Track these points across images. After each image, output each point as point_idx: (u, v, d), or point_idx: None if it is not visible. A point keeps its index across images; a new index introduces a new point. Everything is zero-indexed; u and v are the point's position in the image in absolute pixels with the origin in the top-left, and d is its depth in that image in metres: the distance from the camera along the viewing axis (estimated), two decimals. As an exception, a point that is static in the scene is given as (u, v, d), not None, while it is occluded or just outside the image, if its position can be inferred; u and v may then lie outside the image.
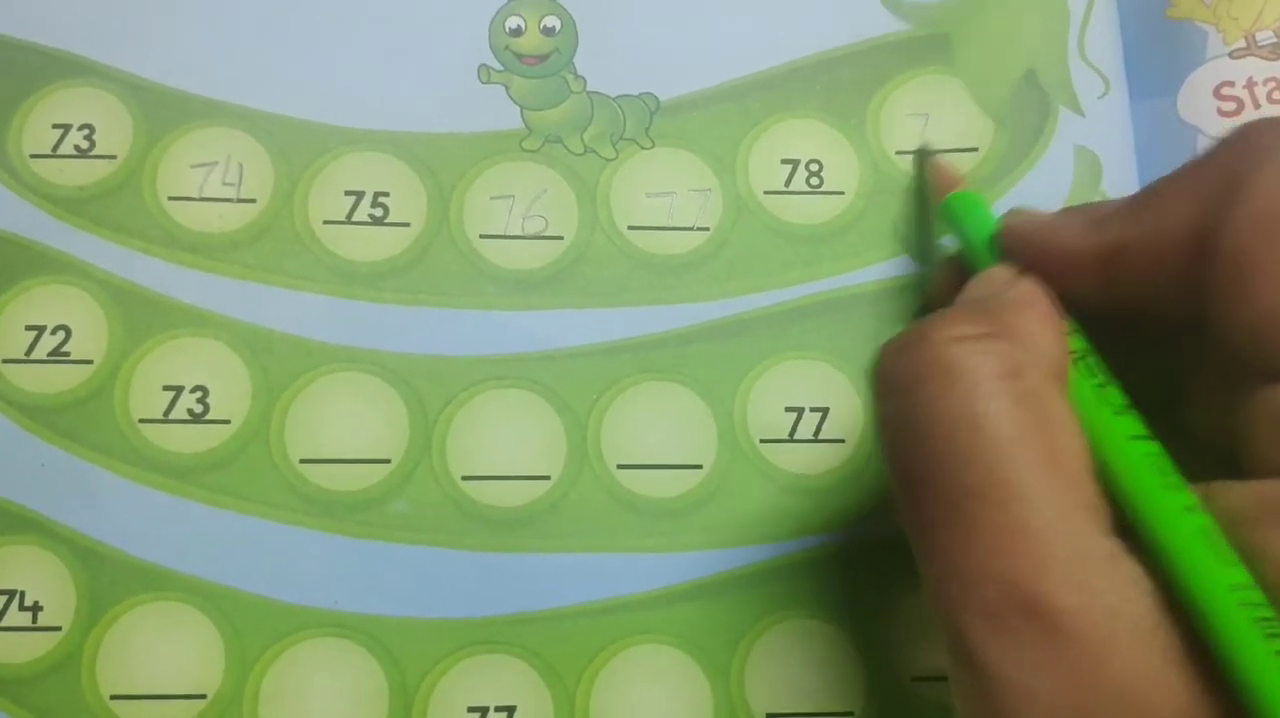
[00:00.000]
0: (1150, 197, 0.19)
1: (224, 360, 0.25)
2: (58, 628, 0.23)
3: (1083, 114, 0.27)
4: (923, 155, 0.27)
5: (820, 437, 0.25)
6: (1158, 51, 0.28)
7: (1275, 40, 0.28)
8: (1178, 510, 0.16)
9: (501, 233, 0.26)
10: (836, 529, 0.25)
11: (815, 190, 0.27)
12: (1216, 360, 0.18)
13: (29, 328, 0.25)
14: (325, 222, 0.26)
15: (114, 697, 0.23)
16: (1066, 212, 0.21)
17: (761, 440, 0.25)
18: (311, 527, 0.24)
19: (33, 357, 0.25)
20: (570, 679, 0.24)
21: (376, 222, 0.26)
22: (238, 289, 0.25)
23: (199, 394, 0.25)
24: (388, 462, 0.25)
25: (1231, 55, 0.28)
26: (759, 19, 0.28)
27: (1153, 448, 0.17)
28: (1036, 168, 0.27)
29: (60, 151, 0.26)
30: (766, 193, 0.27)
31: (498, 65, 0.27)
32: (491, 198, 0.26)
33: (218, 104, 0.26)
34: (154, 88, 0.26)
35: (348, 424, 0.25)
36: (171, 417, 0.25)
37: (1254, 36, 0.28)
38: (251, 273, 0.25)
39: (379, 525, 0.24)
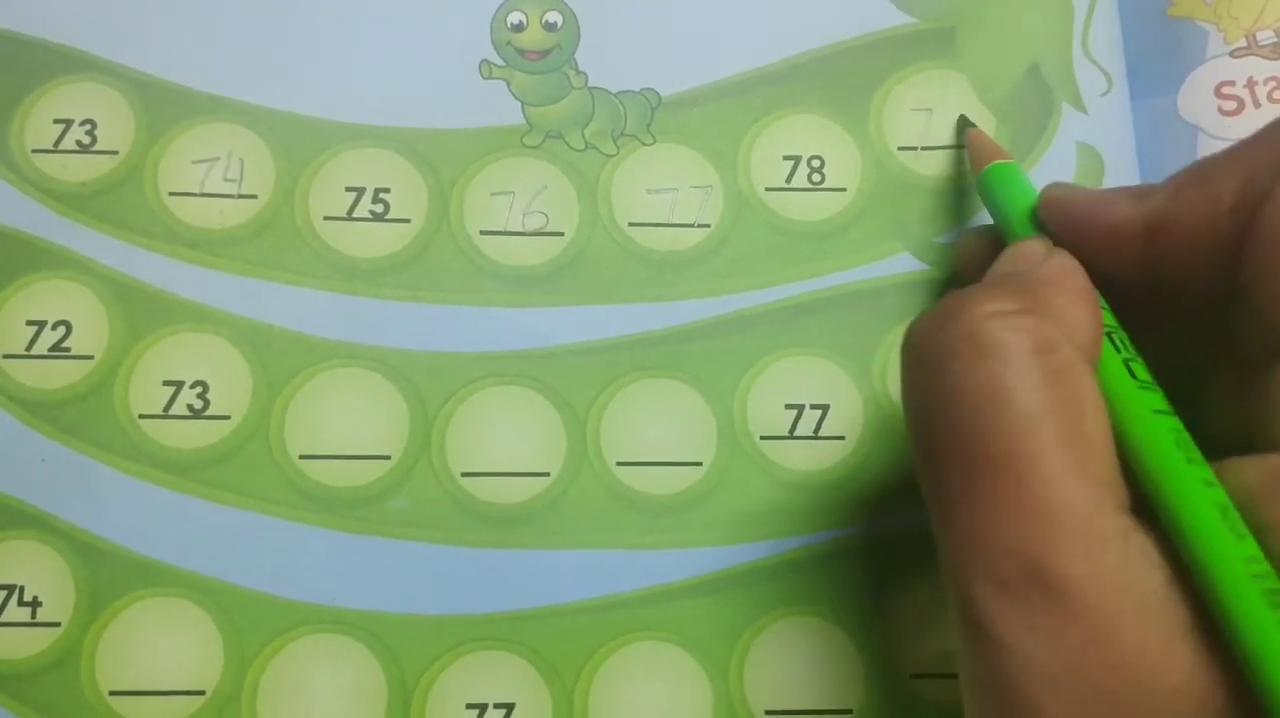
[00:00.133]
0: (1198, 173, 0.19)
1: (224, 356, 0.25)
2: (57, 624, 0.23)
3: (1086, 111, 0.27)
4: (963, 126, 0.27)
5: (820, 434, 0.25)
6: (1158, 50, 0.28)
7: (1276, 39, 0.28)
8: (1196, 484, 0.16)
9: (502, 229, 0.26)
10: (836, 526, 0.25)
11: (817, 187, 0.27)
12: (1240, 345, 0.19)
13: (30, 323, 0.25)
14: (326, 218, 0.26)
15: (113, 693, 0.23)
16: (1110, 190, 0.21)
17: (761, 437, 0.25)
18: (311, 523, 0.24)
19: (33, 352, 0.25)
20: (569, 676, 0.24)
21: (377, 218, 0.26)
22: (238, 285, 0.25)
23: (199, 390, 0.25)
24: (388, 458, 0.25)
25: (1232, 54, 0.28)
26: (760, 14, 0.28)
27: (1174, 423, 0.18)
28: (1039, 164, 0.27)
29: (62, 147, 0.26)
30: (768, 189, 0.27)
31: (499, 61, 0.27)
32: (492, 194, 0.26)
33: (219, 100, 0.26)
34: (156, 83, 0.26)
35: (348, 420, 0.25)
36: (172, 412, 0.25)
37: (1255, 36, 0.28)
38: (252, 269, 0.25)
39: (379, 522, 0.24)
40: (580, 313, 0.26)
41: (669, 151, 0.27)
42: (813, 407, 0.25)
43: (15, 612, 0.23)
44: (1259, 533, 0.16)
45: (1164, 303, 0.20)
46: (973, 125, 0.26)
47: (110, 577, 0.24)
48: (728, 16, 0.28)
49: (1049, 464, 0.16)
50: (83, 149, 0.26)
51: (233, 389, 0.25)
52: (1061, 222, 0.21)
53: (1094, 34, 0.28)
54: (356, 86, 0.27)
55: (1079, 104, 0.27)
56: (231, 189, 0.26)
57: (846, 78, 0.27)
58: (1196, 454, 0.17)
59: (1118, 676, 0.15)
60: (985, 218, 0.25)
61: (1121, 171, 0.27)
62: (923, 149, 0.27)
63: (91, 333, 0.25)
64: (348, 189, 0.26)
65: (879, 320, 0.25)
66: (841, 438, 0.25)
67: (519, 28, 0.27)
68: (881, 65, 0.27)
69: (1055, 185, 0.22)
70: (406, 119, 0.26)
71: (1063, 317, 0.18)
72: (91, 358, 0.25)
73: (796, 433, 0.25)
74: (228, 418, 0.25)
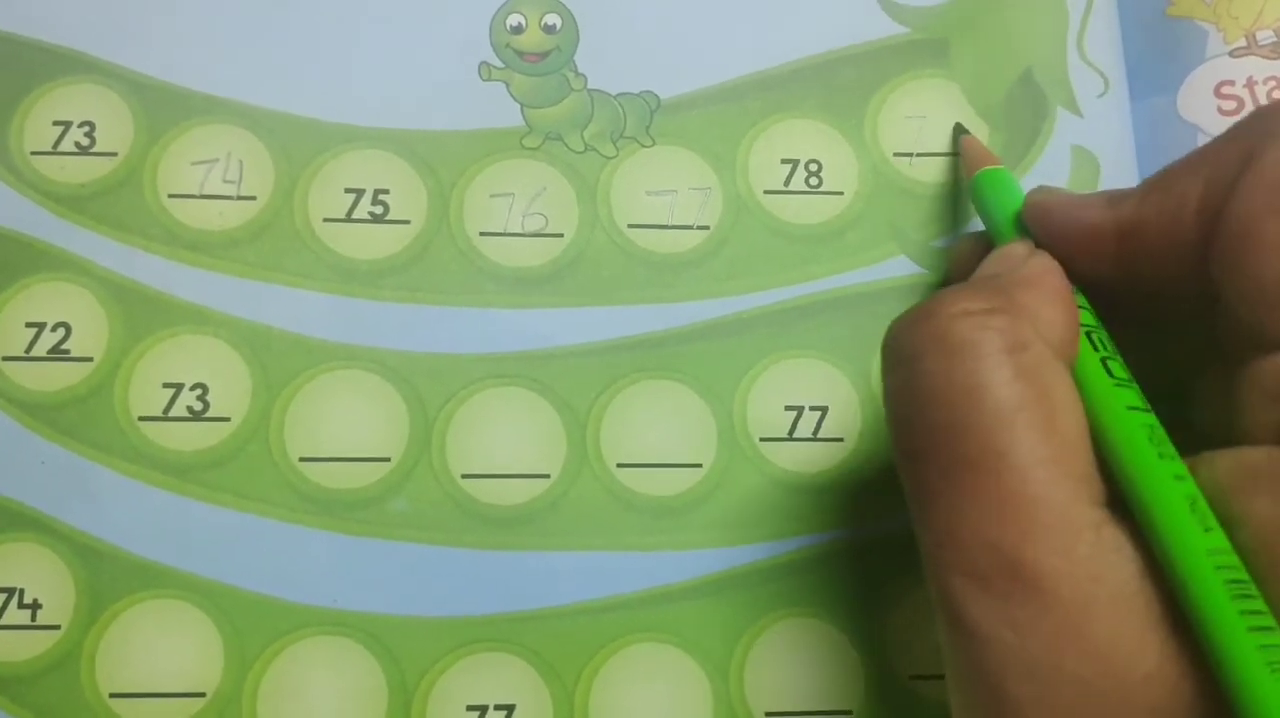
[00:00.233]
0: (1165, 176, 0.19)
1: (224, 358, 0.25)
2: (57, 626, 0.23)
3: (1080, 114, 0.27)
4: (957, 133, 0.27)
5: (819, 435, 0.25)
6: (1158, 50, 0.28)
7: (1275, 39, 0.28)
8: (1167, 478, 0.17)
9: (501, 231, 0.26)
10: (836, 528, 0.25)
11: (814, 190, 0.27)
12: (1223, 347, 0.19)
13: (29, 325, 0.25)
14: (325, 219, 0.26)
15: (113, 695, 0.23)
16: (1090, 193, 0.21)
17: (761, 439, 0.25)
18: (311, 525, 0.24)
19: (33, 354, 0.25)
20: (569, 678, 0.24)
21: (376, 219, 0.26)
22: (238, 287, 0.25)
23: (199, 392, 0.25)
24: (387, 460, 0.25)
25: (1232, 54, 0.28)
26: (759, 19, 0.28)
27: (1149, 419, 0.18)
28: (1033, 169, 0.27)
29: (61, 149, 0.26)
30: (766, 192, 0.27)
31: (498, 63, 0.27)
32: (491, 195, 0.26)
33: (218, 101, 0.26)
34: (155, 85, 0.26)
35: (347, 422, 0.25)
36: (171, 414, 0.25)
37: (1254, 35, 0.28)
38: (251, 270, 0.25)
39: (378, 524, 0.24)
40: (580, 314, 0.26)
41: (668, 154, 0.27)
42: (812, 408, 0.25)
43: (15, 614, 0.23)
44: (1230, 525, 0.16)
45: (1145, 303, 0.20)
46: (967, 132, 0.27)
47: (110, 579, 0.24)
48: (725, 21, 0.28)
49: (1022, 459, 0.17)
50: (82, 151, 0.26)
51: (232, 391, 0.25)
52: (1043, 225, 0.21)
53: (1090, 36, 0.28)
54: (356, 88, 0.27)
55: (1074, 107, 0.27)
56: (231, 191, 0.26)
57: (843, 84, 0.27)
58: (1169, 449, 0.17)
59: (1091, 665, 0.16)
60: (980, 223, 0.26)
61: (1121, 173, 0.27)
62: (917, 155, 0.27)
63: (91, 335, 0.25)
64: (347, 191, 0.26)
65: (876, 323, 0.25)
66: (840, 440, 0.25)
67: (518, 30, 0.27)
68: (876, 73, 0.27)
69: (1039, 189, 0.22)
70: (406, 121, 0.26)
71: (1036, 316, 0.18)
72: (91, 360, 0.25)
73: (796, 434, 0.25)
74: (227, 420, 0.25)
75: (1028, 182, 0.27)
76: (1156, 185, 0.19)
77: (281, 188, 0.26)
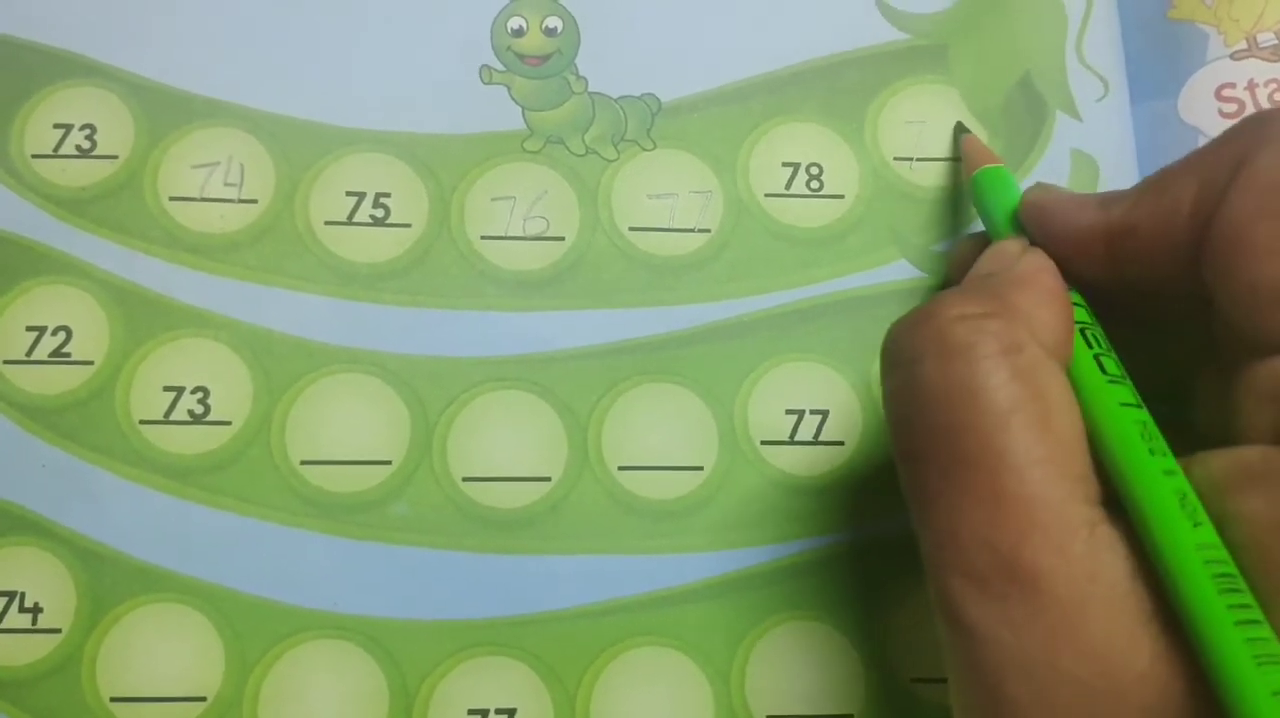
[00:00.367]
0: (1157, 181, 0.20)
1: (225, 361, 0.25)
2: (58, 630, 0.23)
3: (1080, 118, 0.27)
4: (958, 132, 0.27)
5: (820, 439, 0.25)
6: (1158, 53, 0.28)
7: (1276, 42, 0.28)
8: (1157, 473, 0.17)
9: (502, 234, 0.26)
10: (837, 531, 0.25)
11: (815, 194, 0.27)
12: (1219, 348, 0.19)
13: (30, 329, 0.25)
14: (326, 222, 0.26)
15: (114, 699, 0.23)
16: (1085, 194, 0.21)
17: (762, 442, 0.25)
18: (312, 528, 0.24)
19: (34, 357, 0.25)
20: (570, 681, 0.24)
21: (378, 223, 0.26)
22: (239, 290, 0.25)
23: (200, 395, 0.25)
24: (388, 463, 0.25)
25: (1232, 57, 0.28)
26: (760, 23, 0.28)
27: (1141, 415, 0.18)
28: (1033, 173, 0.27)
29: (62, 152, 0.26)
30: (767, 195, 0.27)
31: (499, 66, 0.27)
32: (493, 199, 0.26)
33: (219, 104, 0.26)
34: (155, 88, 0.26)
35: (348, 426, 0.25)
36: (172, 418, 0.25)
37: (1255, 38, 0.28)
38: (252, 274, 0.25)
39: (379, 527, 0.24)
40: (581, 317, 0.26)
41: (669, 157, 0.27)
42: (813, 412, 0.25)
43: (16, 618, 0.23)
44: (1225, 523, 0.17)
45: (1140, 303, 0.20)
46: (968, 131, 0.27)
47: (111, 583, 0.24)
48: (726, 24, 0.28)
49: (1018, 458, 0.17)
50: (82, 154, 0.26)
51: (233, 395, 0.25)
52: (1038, 224, 0.22)
53: (1089, 40, 0.28)
54: (357, 91, 0.27)
55: (1073, 111, 0.27)
56: (232, 194, 0.26)
57: (843, 88, 0.27)
58: (1161, 445, 0.18)
59: (1085, 663, 0.16)
60: (980, 227, 0.26)
61: (1121, 176, 0.27)
62: (918, 160, 0.27)
63: (92, 338, 0.25)
64: (348, 194, 0.26)
65: (877, 327, 0.25)
66: (841, 443, 0.25)
67: (519, 33, 0.27)
68: (877, 77, 0.28)
69: (1036, 188, 0.22)
70: (407, 124, 0.26)
71: (1030, 317, 0.18)
72: (92, 363, 0.25)
73: (797, 438, 0.25)
74: (228, 423, 0.25)
75: (1027, 185, 0.27)
76: (1149, 189, 0.20)
77: (282, 191, 0.26)
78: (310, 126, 0.26)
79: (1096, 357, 0.19)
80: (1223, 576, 0.16)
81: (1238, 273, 0.17)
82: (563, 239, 0.26)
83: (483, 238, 0.26)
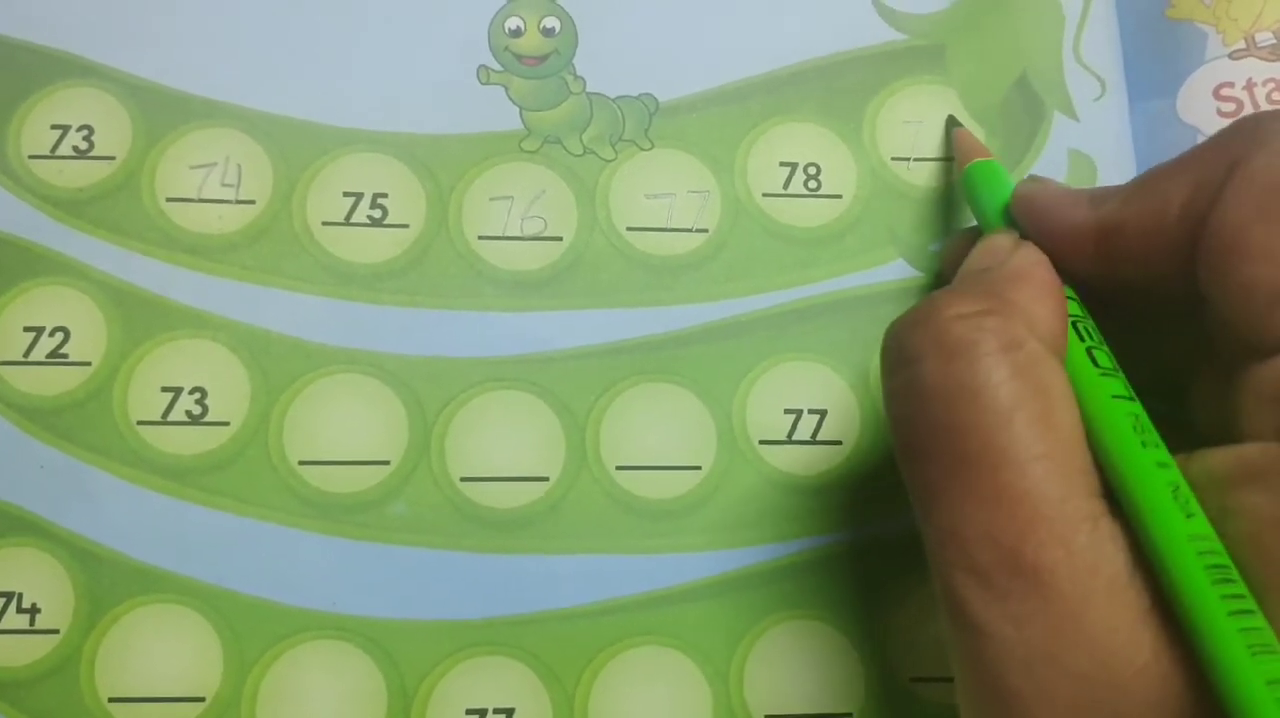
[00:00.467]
0: (1149, 179, 0.20)
1: (223, 362, 0.25)
2: (56, 631, 0.23)
3: (1076, 118, 0.27)
4: (950, 126, 0.27)
5: (818, 438, 0.25)
6: (1157, 52, 0.28)
7: (1274, 41, 0.28)
8: (1150, 466, 0.17)
9: (500, 234, 0.26)
10: (835, 530, 0.25)
11: (813, 194, 0.27)
12: (1216, 347, 0.19)
13: (27, 329, 0.25)
14: (324, 223, 0.26)
15: (112, 699, 0.23)
16: (1077, 189, 0.21)
17: (760, 442, 0.25)
18: (310, 529, 0.24)
19: (31, 358, 0.25)
20: (569, 681, 0.24)
21: (375, 223, 0.26)
22: (236, 290, 0.25)
23: (197, 396, 0.25)
24: (386, 463, 0.25)
25: (1231, 56, 0.28)
26: (757, 23, 0.28)
27: (1133, 408, 0.18)
28: (1030, 173, 0.27)
29: (59, 153, 0.26)
30: (765, 195, 0.27)
31: (497, 66, 0.27)
32: (490, 199, 0.26)
33: (217, 105, 0.26)
34: (153, 88, 0.26)
35: (346, 426, 0.25)
36: (170, 418, 0.25)
37: (1253, 37, 0.28)
38: (250, 274, 0.25)
39: (377, 527, 0.24)
40: (579, 317, 0.26)
41: (667, 157, 0.27)
42: (810, 411, 0.25)
43: (14, 619, 0.23)
44: (1225, 517, 0.17)
45: (1133, 300, 0.20)
46: (959, 125, 0.27)
47: (109, 583, 0.24)
48: (724, 24, 0.28)
49: (1021, 455, 0.17)
50: (80, 155, 0.26)
51: (231, 395, 0.25)
52: (1028, 218, 0.22)
53: (1086, 40, 0.28)
54: (354, 91, 0.27)
55: (1070, 111, 0.27)
56: (229, 194, 0.26)
57: (841, 88, 0.27)
58: (1154, 437, 0.18)
59: (1088, 657, 0.16)
60: (974, 224, 0.26)
61: (1118, 176, 0.27)
62: (915, 160, 0.27)
63: (89, 339, 0.25)
64: (346, 194, 0.26)
65: (875, 326, 0.25)
66: (839, 442, 0.25)
67: (517, 33, 0.27)
68: (875, 77, 0.28)
69: (1027, 181, 0.22)
70: (404, 124, 0.26)
71: (1027, 313, 0.19)
72: (89, 364, 0.25)
73: (795, 437, 0.25)
74: (226, 424, 0.25)
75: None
76: (1140, 188, 0.20)
77: (280, 191, 0.26)
78: (307, 127, 0.26)
79: (1089, 350, 0.19)
80: (1216, 567, 0.16)
81: (1234, 275, 0.17)
82: (560, 239, 0.26)
83: (480, 238, 0.26)
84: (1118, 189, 0.20)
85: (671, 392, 0.25)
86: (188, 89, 0.26)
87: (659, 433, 0.25)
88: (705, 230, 0.26)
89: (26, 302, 0.25)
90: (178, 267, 0.25)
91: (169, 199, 0.26)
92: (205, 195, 0.26)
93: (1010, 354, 0.18)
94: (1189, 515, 0.17)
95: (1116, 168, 0.27)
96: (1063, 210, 0.21)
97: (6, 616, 0.23)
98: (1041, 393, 0.18)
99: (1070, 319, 0.19)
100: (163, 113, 0.26)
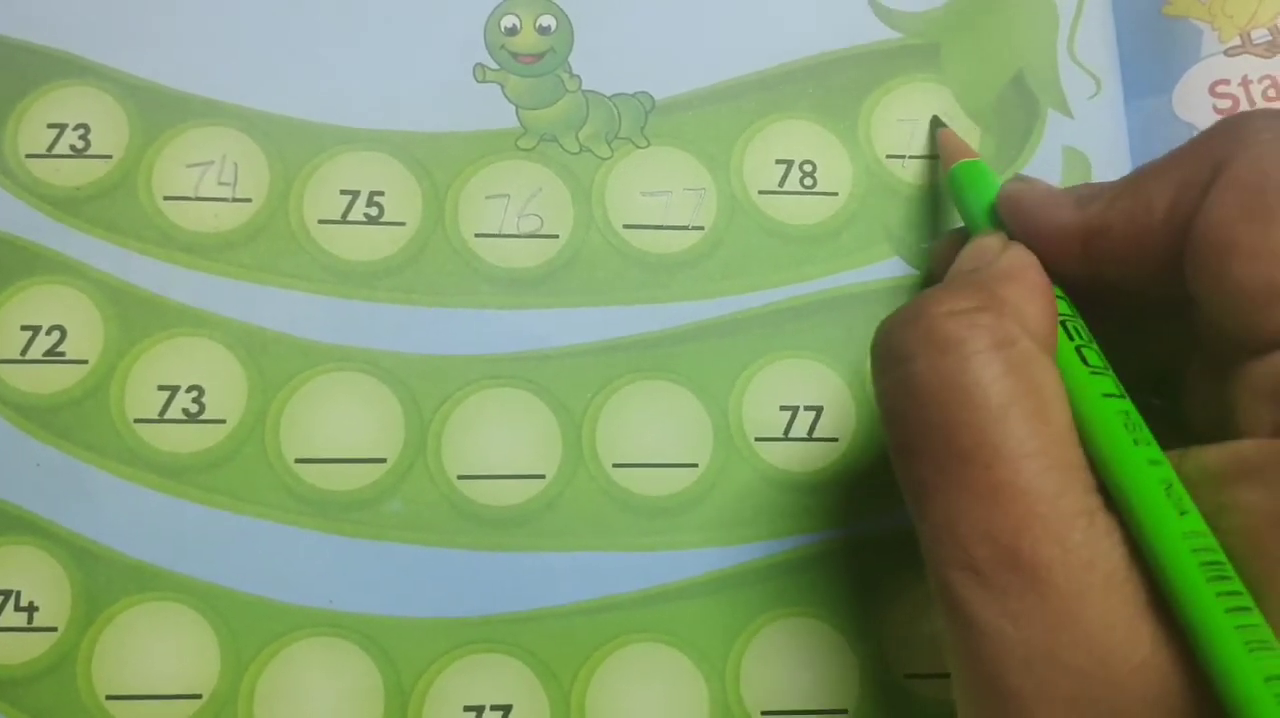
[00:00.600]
0: (1134, 180, 0.20)
1: (219, 360, 0.25)
2: (53, 629, 0.23)
3: (1071, 115, 0.28)
4: (934, 126, 0.27)
5: (814, 435, 0.25)
6: (1153, 49, 0.28)
7: (1270, 38, 0.28)
8: (1142, 463, 0.17)
9: (497, 232, 0.26)
10: (831, 527, 0.25)
11: (809, 191, 0.27)
12: (1206, 345, 0.19)
13: (24, 328, 0.25)
14: (320, 221, 0.26)
15: (110, 697, 0.23)
16: (1063, 189, 0.21)
17: (756, 439, 0.25)
18: (307, 526, 0.24)
19: (28, 357, 0.25)
20: (566, 678, 0.24)
21: (372, 221, 0.26)
22: (233, 289, 0.25)
23: (194, 394, 0.25)
24: (383, 461, 0.25)
25: (1227, 53, 0.28)
26: (753, 21, 0.28)
27: (1124, 405, 0.18)
28: (1025, 172, 0.27)
29: (56, 151, 0.26)
30: (761, 193, 0.27)
31: (493, 64, 0.27)
32: (487, 197, 0.26)
33: (213, 103, 0.26)
34: (149, 87, 0.26)
35: (343, 424, 0.25)
36: (167, 416, 0.25)
37: (1249, 34, 0.28)
38: (247, 272, 0.25)
39: (374, 525, 0.24)
40: (575, 315, 0.26)
41: (663, 154, 0.27)
42: (806, 408, 0.25)
43: (11, 617, 0.23)
44: (1220, 513, 0.17)
45: (1121, 299, 0.20)
46: (944, 126, 0.27)
47: (106, 581, 0.24)
48: (720, 22, 0.28)
49: (1014, 450, 0.17)
50: (77, 153, 0.26)
51: (228, 393, 0.25)
52: (1014, 218, 0.22)
53: (1081, 37, 0.28)
54: (351, 90, 0.27)
55: (1065, 109, 0.28)
56: (226, 193, 0.26)
57: (836, 86, 0.27)
58: (1145, 434, 0.18)
59: (1085, 653, 0.16)
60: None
61: (1114, 173, 0.27)
62: (910, 158, 0.27)
63: (86, 337, 0.25)
64: (342, 192, 0.26)
65: (870, 324, 0.25)
66: (835, 439, 0.25)
67: (513, 31, 0.27)
68: (870, 76, 0.28)
69: (1013, 181, 0.22)
70: (401, 122, 0.26)
71: (1018, 310, 0.19)
72: (86, 362, 0.25)
73: (791, 434, 0.25)
74: (223, 422, 0.25)
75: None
76: (1124, 190, 0.20)
77: (277, 190, 0.26)
78: (304, 125, 0.26)
79: (1078, 348, 0.19)
80: (1210, 563, 0.16)
81: (1222, 275, 0.18)
82: (557, 237, 0.26)
83: (477, 236, 0.26)
84: (1103, 189, 0.20)
85: (668, 389, 0.25)
86: (184, 88, 0.26)
87: (655, 430, 0.25)
88: (701, 228, 0.26)
89: (23, 300, 0.25)
90: (174, 265, 0.25)
91: (166, 198, 0.26)
92: (202, 194, 0.26)
93: (1002, 351, 0.18)
94: (1182, 513, 0.17)
95: (1112, 165, 0.27)
96: (1048, 211, 0.21)
97: (4, 614, 0.23)
98: (1034, 390, 0.18)
99: (1059, 318, 0.19)
100: (159, 111, 0.26)
